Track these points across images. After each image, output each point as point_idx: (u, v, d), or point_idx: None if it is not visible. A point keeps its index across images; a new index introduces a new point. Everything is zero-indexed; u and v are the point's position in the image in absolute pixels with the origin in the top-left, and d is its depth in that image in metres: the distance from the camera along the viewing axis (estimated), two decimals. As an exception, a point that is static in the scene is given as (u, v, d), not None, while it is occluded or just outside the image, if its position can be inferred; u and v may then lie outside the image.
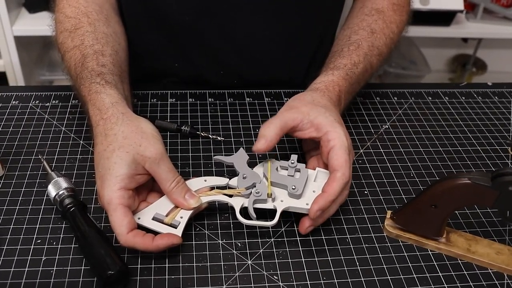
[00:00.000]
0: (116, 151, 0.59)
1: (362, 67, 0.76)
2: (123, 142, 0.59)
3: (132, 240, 0.56)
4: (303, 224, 0.62)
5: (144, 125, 0.62)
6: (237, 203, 0.61)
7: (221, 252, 0.61)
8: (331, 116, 0.65)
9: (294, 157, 0.65)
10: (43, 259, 0.58)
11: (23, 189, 0.67)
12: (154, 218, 0.60)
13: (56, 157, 0.72)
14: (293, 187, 0.61)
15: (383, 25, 0.82)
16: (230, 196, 0.62)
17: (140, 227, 0.59)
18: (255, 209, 0.61)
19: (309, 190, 0.63)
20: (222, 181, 0.64)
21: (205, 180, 0.64)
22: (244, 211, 0.61)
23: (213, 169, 0.72)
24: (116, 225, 0.56)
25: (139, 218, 0.60)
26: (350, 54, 0.77)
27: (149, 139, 0.60)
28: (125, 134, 0.60)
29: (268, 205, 0.62)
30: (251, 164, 0.65)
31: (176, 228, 0.59)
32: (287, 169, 0.65)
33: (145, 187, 0.62)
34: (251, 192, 0.61)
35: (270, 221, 0.60)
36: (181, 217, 0.60)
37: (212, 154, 0.74)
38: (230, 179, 0.64)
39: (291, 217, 0.65)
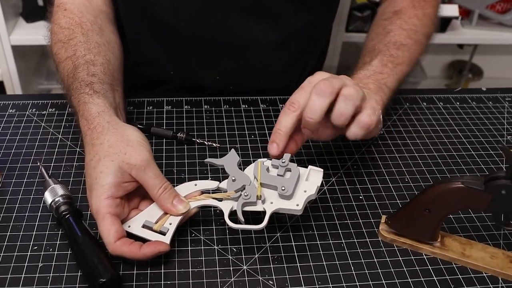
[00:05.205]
0: (102, 160, 0.59)
1: (377, 61, 0.77)
2: (108, 151, 0.59)
3: (119, 248, 0.56)
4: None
5: (130, 133, 0.62)
6: (226, 207, 0.60)
7: (216, 257, 0.61)
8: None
9: (286, 156, 0.63)
10: (39, 266, 0.59)
11: (19, 196, 0.67)
12: (144, 226, 0.60)
13: (52, 164, 0.72)
14: (283, 188, 0.60)
15: (400, 22, 0.84)
16: (220, 200, 0.61)
17: (131, 235, 0.59)
18: (246, 212, 0.60)
19: (300, 190, 0.61)
20: (212, 184, 0.63)
21: (196, 185, 0.63)
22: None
23: (209, 175, 0.72)
24: (104, 234, 0.57)
25: (129, 226, 0.60)
26: (363, 57, 0.80)
27: (134, 147, 0.60)
28: (111, 143, 0.60)
29: (258, 208, 0.60)
30: (245, 164, 0.64)
31: (165, 235, 0.59)
32: (278, 168, 0.63)
33: (137, 195, 0.62)
34: (240, 195, 0.61)
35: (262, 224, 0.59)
36: (170, 224, 0.60)
37: (208, 160, 0.75)
38: (220, 182, 0.63)
39: (286, 223, 0.65)
